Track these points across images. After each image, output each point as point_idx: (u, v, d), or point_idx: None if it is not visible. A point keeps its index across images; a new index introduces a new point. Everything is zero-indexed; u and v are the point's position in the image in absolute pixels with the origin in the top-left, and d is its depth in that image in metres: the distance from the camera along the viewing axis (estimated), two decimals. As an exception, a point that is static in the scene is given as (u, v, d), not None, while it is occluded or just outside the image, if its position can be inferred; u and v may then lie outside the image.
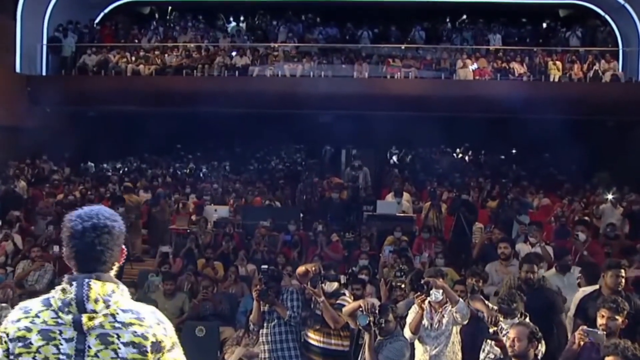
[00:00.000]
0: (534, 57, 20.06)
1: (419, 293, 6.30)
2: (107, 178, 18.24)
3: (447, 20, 23.19)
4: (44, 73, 20.52)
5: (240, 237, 13.08)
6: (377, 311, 5.87)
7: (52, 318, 2.45)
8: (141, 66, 19.84)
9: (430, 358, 6.27)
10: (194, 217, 14.37)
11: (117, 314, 2.47)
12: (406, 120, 19.87)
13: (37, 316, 2.47)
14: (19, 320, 2.48)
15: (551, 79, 19.25)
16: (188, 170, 21.35)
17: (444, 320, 6.26)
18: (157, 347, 2.50)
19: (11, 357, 2.46)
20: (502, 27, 21.80)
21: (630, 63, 20.23)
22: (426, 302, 6.24)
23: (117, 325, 2.45)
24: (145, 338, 2.47)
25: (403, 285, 7.76)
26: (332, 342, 6.69)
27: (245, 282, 10.32)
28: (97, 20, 23.05)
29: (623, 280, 6.26)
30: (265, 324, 6.85)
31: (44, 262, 10.61)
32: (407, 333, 6.27)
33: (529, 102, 17.61)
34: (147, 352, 2.46)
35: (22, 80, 19.32)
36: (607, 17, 21.84)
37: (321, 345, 6.71)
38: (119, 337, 2.45)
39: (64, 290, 2.47)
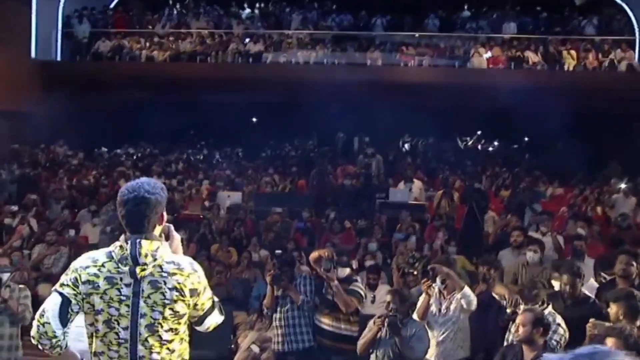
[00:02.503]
0: (549, 46, 19.94)
1: (425, 279, 6.37)
2: (120, 163, 18.36)
3: (464, 7, 23.04)
4: (58, 59, 20.63)
5: (253, 223, 13.16)
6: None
7: (115, 268, 3.09)
8: (155, 52, 19.93)
9: (437, 344, 6.33)
10: (207, 203, 14.47)
11: (163, 265, 3.10)
12: (419, 108, 19.84)
13: (103, 265, 3.10)
14: (88, 267, 3.11)
15: (565, 68, 19.16)
16: (201, 157, 21.44)
17: (452, 307, 6.31)
18: (194, 292, 3.14)
19: (82, 295, 3.07)
20: (517, 15, 21.68)
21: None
22: (433, 288, 6.30)
23: (163, 274, 3.09)
24: (185, 285, 3.11)
25: (415, 272, 7.82)
26: (342, 327, 6.80)
27: (258, 267, 10.41)
28: (111, 6, 23.14)
29: (635, 269, 6.29)
30: (278, 309, 6.95)
31: (60, 246, 10.74)
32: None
33: (543, 91, 17.55)
34: (185, 295, 3.10)
35: (37, 66, 19.45)
36: (624, 5, 21.66)
37: (331, 329, 6.82)
38: (165, 283, 3.08)
39: (121, 247, 3.10)
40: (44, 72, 19.41)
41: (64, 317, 3.06)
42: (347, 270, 7.09)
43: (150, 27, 21.83)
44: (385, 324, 5.85)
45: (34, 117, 18.22)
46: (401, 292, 6.10)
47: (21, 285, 6.82)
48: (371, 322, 6.37)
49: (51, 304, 3.07)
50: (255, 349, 7.66)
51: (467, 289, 6.25)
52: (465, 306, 6.19)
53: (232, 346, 8.26)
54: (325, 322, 6.85)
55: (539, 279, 6.94)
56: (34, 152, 17.73)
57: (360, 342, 6.32)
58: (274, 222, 12.55)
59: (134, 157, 20.26)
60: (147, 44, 20.44)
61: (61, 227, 11.75)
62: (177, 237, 3.35)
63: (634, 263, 6.65)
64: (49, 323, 3.03)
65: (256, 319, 8.31)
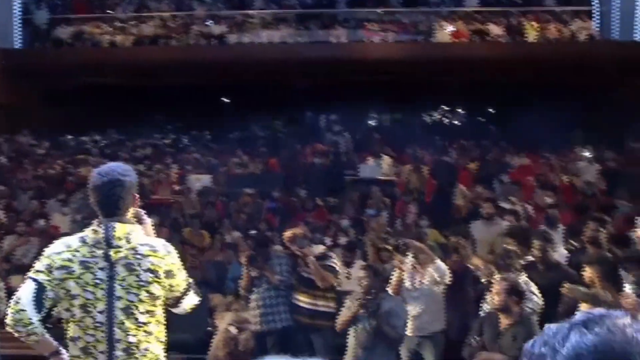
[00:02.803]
0: (511, 18, 20.08)
1: (397, 254, 6.45)
2: (87, 151, 18.15)
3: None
4: (17, 46, 20.24)
5: (224, 205, 13.14)
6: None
7: (89, 252, 3.14)
8: (117, 37, 19.64)
9: (413, 318, 6.42)
10: (176, 187, 14.40)
11: (137, 247, 3.14)
12: (385, 84, 19.90)
13: (77, 250, 3.14)
14: (61, 252, 3.15)
15: (528, 40, 19.32)
16: (169, 141, 21.28)
17: (425, 281, 6.39)
18: (169, 273, 3.20)
19: (56, 282, 3.10)
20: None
21: (605, 22, 20.33)
22: (406, 263, 6.38)
23: (137, 256, 3.13)
24: (159, 266, 3.16)
25: (390, 248, 7.90)
26: (319, 304, 6.87)
27: (231, 249, 10.41)
28: (69, -9, 22.72)
29: (604, 235, 6.44)
30: (255, 289, 7.00)
31: (30, 237, 10.64)
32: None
33: (507, 63, 17.70)
34: (160, 276, 3.15)
35: (-4, 55, 19.08)
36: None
37: (309, 307, 6.88)
38: (140, 265, 3.13)
39: (95, 231, 3.16)
40: (3, 61, 18.98)
41: (39, 303, 3.07)
42: (321, 248, 7.15)
43: (110, 11, 21.48)
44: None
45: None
46: (374, 267, 6.15)
47: (-7, 278, 6.77)
48: (349, 302, 6.42)
49: (26, 291, 3.08)
50: (233, 330, 7.68)
51: (439, 262, 6.35)
52: (438, 279, 6.29)
53: (210, 329, 8.28)
54: (302, 300, 6.91)
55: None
56: (-2, 143, 17.45)
57: (340, 321, 6.37)
58: (245, 203, 12.54)
59: (101, 144, 20.02)
60: (109, 29, 20.12)
61: (30, 218, 11.62)
62: (148, 221, 3.41)
63: (602, 229, 6.82)
64: (25, 310, 3.04)
65: (233, 300, 8.34)
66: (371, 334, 5.80)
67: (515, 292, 5.16)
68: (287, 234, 7.09)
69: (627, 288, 4.87)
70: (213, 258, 10.22)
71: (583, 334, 1.24)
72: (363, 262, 7.89)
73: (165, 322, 3.35)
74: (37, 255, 3.33)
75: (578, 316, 1.30)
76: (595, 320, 1.26)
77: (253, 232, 7.37)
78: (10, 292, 6.51)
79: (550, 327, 1.31)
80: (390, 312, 5.85)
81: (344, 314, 6.34)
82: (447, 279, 6.35)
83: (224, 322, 8.07)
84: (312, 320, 6.86)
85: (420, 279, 6.44)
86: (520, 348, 4.14)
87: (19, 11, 20.38)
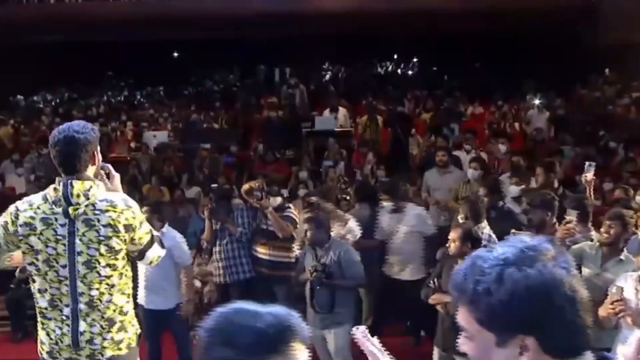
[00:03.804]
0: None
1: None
2: (39, 110, 17.88)
3: None
4: (-39, 3, 19.66)
5: (181, 160, 13.16)
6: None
7: (49, 209, 3.22)
8: (65, -8, 19.21)
9: None
10: (133, 145, 14.33)
11: (96, 203, 3.21)
12: (338, 36, 19.91)
13: (38, 208, 3.25)
14: (25, 210, 3.26)
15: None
16: (122, 98, 21.06)
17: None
18: (128, 227, 3.27)
19: (20, 237, 3.25)
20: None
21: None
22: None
23: (96, 212, 3.21)
24: (118, 221, 3.23)
25: (348, 197, 8.06)
26: (279, 254, 7.00)
27: (191, 204, 10.49)
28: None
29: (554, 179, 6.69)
30: (217, 242, 7.09)
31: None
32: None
33: (459, 14, 17.83)
34: (119, 230, 3.23)
35: (-62, 12, 18.50)
36: None
37: (268, 257, 7.01)
38: (99, 220, 3.21)
39: (55, 190, 3.22)
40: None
41: None
42: (279, 200, 7.25)
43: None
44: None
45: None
46: (317, 218, 6.13)
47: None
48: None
49: None
50: (197, 283, 7.82)
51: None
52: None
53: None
54: (262, 252, 7.03)
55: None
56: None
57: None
58: (203, 158, 12.58)
59: (53, 103, 19.73)
60: (55, -16, 19.65)
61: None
62: (117, 175, 3.47)
63: (552, 174, 7.08)
64: None
65: (195, 254, 8.44)
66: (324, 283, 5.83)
67: (469, 238, 5.28)
68: (244, 187, 7.18)
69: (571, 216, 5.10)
70: (174, 213, 10.27)
71: (516, 275, 1.36)
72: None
73: (130, 275, 3.46)
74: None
75: (509, 251, 1.41)
76: (526, 259, 1.38)
77: (214, 185, 7.43)
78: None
79: (480, 262, 1.42)
80: (340, 263, 5.87)
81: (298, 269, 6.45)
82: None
83: (187, 276, 8.20)
84: (273, 272, 6.95)
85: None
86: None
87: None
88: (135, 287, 4.48)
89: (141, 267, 5.64)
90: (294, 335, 1.42)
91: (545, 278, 1.37)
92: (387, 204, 7.11)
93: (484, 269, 1.40)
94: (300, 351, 1.43)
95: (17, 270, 6.13)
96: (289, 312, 1.45)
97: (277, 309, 1.45)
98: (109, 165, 3.45)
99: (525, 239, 1.48)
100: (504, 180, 7.95)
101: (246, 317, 1.41)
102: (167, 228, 6.17)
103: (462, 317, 1.46)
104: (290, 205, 7.34)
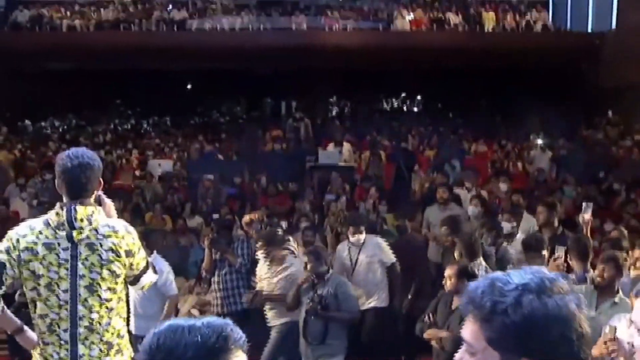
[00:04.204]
0: (469, 8, 20.43)
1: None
2: (47, 136, 18.04)
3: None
4: (-26, 30, 19.97)
5: (185, 190, 13.23)
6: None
7: (52, 234, 3.25)
8: (77, 21, 19.47)
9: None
10: (137, 172, 14.43)
11: (98, 228, 3.27)
12: (345, 72, 20.12)
13: (40, 232, 3.27)
14: (25, 235, 3.27)
15: (486, 29, 19.69)
16: (129, 126, 21.25)
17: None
18: (129, 252, 3.34)
19: (22, 262, 3.23)
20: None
21: (559, 13, 20.83)
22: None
23: (99, 236, 3.27)
24: (120, 246, 3.30)
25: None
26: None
27: (193, 233, 10.53)
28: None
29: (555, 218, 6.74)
30: (217, 272, 7.13)
31: (-10, 221, 10.59)
32: None
33: (465, 52, 18.04)
34: (121, 255, 3.30)
35: (-48, 39, 18.79)
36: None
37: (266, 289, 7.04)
38: (101, 245, 3.26)
39: (57, 214, 3.26)
40: (-40, 45, 18.75)
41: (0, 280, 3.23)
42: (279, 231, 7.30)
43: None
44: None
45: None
46: (316, 251, 6.17)
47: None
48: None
49: None
50: (195, 312, 7.83)
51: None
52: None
53: (172, 311, 8.40)
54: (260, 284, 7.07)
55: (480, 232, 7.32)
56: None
57: (288, 302, 6.46)
58: (207, 188, 12.65)
59: (60, 130, 19.91)
60: (68, 13, 19.94)
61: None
62: (108, 202, 3.52)
63: (554, 212, 7.12)
64: None
65: (195, 283, 8.47)
66: (319, 314, 5.85)
67: (465, 275, 5.31)
68: (245, 218, 7.25)
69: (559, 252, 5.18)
70: (175, 242, 10.32)
71: (535, 302, 1.42)
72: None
73: (124, 299, 3.51)
74: (-1, 239, 3.43)
75: (530, 279, 1.47)
76: (546, 290, 1.44)
77: (216, 215, 7.50)
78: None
79: (499, 284, 1.46)
80: (336, 296, 5.90)
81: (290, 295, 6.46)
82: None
83: (186, 305, 8.23)
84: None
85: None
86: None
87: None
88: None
89: (131, 292, 5.68)
90: (233, 343, 1.47)
91: (562, 310, 1.43)
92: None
93: (503, 291, 1.45)
94: (240, 357, 1.48)
95: (17, 294, 6.15)
96: (224, 322, 1.49)
97: (212, 320, 1.49)
98: (101, 193, 3.51)
99: (544, 270, 1.54)
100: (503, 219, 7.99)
101: (183, 333, 1.44)
102: (154, 256, 6.23)
103: (471, 332, 1.50)
104: (290, 237, 7.38)
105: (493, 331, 1.45)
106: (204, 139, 17.89)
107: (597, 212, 6.31)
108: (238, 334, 1.50)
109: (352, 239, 6.89)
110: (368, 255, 6.77)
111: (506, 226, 7.39)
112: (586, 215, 6.17)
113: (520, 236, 7.20)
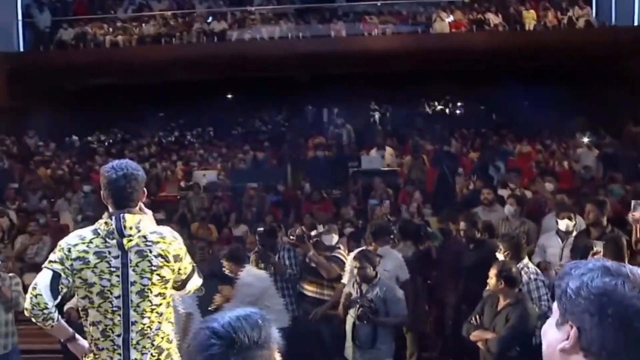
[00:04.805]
0: (509, 7, 20.21)
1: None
2: (93, 150, 18.39)
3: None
4: (21, 49, 20.46)
5: (230, 199, 13.37)
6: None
7: (102, 243, 3.37)
8: (119, 37, 19.83)
9: None
10: (182, 184, 14.62)
11: (147, 235, 3.40)
12: (385, 76, 20.08)
13: (91, 242, 3.38)
14: (77, 245, 3.38)
15: (526, 28, 19.45)
16: (173, 138, 21.53)
17: None
18: (177, 257, 3.46)
19: (74, 271, 3.34)
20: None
21: (603, 8, 20.46)
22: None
23: (148, 243, 3.39)
24: (168, 251, 3.42)
25: (392, 236, 8.08)
26: (325, 293, 7.04)
27: (238, 242, 10.62)
28: (70, -7, 22.90)
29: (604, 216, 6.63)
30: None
31: (42, 235, 10.85)
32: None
33: (506, 52, 17.85)
34: (169, 260, 3.42)
35: (0, 58, 19.26)
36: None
37: (315, 295, 7.06)
38: (150, 251, 3.39)
39: (106, 224, 3.39)
40: (8, 64, 19.20)
41: (55, 289, 3.31)
42: (335, 238, 7.31)
43: (112, 12, 21.69)
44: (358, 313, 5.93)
45: (1, 109, 18.12)
46: (366, 254, 6.18)
47: (11, 274, 7.00)
48: (344, 288, 6.58)
49: (42, 278, 3.32)
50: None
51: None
52: None
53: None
54: (309, 289, 7.09)
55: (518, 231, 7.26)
56: (5, 145, 17.66)
57: (339, 309, 6.50)
58: (251, 197, 12.76)
59: (106, 144, 20.27)
60: (111, 30, 20.32)
61: (41, 217, 11.84)
62: (148, 212, 3.63)
63: (604, 210, 7.00)
64: (41, 295, 3.27)
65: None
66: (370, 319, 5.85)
67: (502, 277, 5.27)
68: (297, 231, 7.28)
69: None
70: (221, 251, 10.42)
71: (606, 277, 1.47)
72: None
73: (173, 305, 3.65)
74: (49, 254, 3.52)
75: (599, 263, 1.52)
76: (612, 271, 1.48)
77: (260, 229, 7.53)
78: (25, 289, 6.74)
79: (581, 267, 1.52)
80: (385, 299, 5.91)
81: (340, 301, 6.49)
82: None
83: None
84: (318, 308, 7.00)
85: None
86: (510, 327, 4.41)
87: (21, 15, 20.59)
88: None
89: None
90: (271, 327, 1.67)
91: (625, 287, 1.46)
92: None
93: (581, 270, 1.51)
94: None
95: (67, 305, 6.28)
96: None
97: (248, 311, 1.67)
98: (142, 204, 3.59)
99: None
100: (550, 219, 7.90)
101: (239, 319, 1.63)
102: None
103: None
104: (340, 245, 7.39)
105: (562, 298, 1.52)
106: (247, 148, 18.03)
107: (645, 210, 6.15)
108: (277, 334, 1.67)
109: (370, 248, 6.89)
110: (386, 269, 6.64)
111: (565, 224, 7.21)
112: (636, 214, 6.06)
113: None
